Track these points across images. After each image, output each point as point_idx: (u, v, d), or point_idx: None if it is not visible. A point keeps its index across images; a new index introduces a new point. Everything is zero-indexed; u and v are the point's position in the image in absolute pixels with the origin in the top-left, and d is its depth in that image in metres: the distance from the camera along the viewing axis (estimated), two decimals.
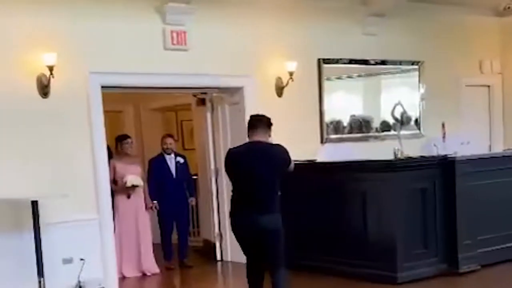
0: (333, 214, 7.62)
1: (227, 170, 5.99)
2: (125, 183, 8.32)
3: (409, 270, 7.02)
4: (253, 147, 5.83)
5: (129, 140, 8.77)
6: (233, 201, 5.87)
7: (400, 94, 10.29)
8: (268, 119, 5.98)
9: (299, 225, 7.98)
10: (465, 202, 7.30)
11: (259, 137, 5.81)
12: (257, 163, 5.66)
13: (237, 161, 5.84)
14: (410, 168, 7.25)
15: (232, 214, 5.87)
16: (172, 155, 8.93)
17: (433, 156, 7.76)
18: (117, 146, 8.83)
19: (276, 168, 5.74)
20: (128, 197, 8.44)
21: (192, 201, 9.12)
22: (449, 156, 7.43)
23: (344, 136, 9.61)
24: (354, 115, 9.86)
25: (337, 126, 9.60)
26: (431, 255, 7.24)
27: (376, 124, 10.02)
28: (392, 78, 10.38)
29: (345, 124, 9.71)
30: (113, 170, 8.31)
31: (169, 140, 9.04)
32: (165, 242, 8.90)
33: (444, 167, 7.30)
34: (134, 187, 8.38)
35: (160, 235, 8.98)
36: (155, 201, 8.67)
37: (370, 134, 9.95)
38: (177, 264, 8.86)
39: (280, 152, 5.81)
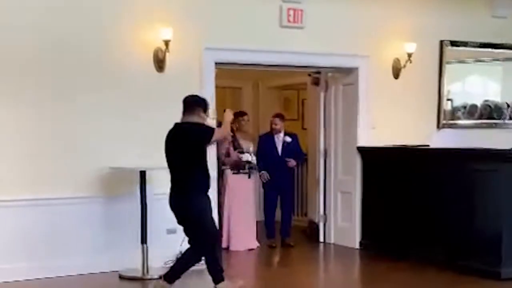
0: (439, 203, 7.35)
1: None
2: (241, 158, 8.53)
3: None
4: (175, 128, 6.04)
5: (245, 117, 8.87)
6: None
7: None
8: (198, 100, 6.11)
9: (402, 212, 7.85)
10: None
11: (186, 118, 5.99)
12: (174, 145, 5.91)
13: (166, 143, 6.04)
14: None
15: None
16: (281, 134, 8.87)
17: None
18: (234, 122, 8.55)
19: (189, 147, 5.84)
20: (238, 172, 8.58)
21: (290, 161, 8.81)
22: None
23: (466, 122, 9.26)
24: (487, 101, 9.51)
25: (470, 110, 9.33)
26: None
27: (509, 111, 9.59)
28: None
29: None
30: (228, 144, 8.41)
31: (276, 121, 8.93)
32: (268, 219, 8.90)
33: None
34: (248, 163, 8.55)
35: (263, 212, 9.04)
36: (263, 171, 8.75)
37: (498, 121, 9.51)
38: (279, 242, 8.84)
39: (194, 132, 5.89)
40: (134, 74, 7.31)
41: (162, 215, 7.25)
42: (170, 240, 7.34)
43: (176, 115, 7.39)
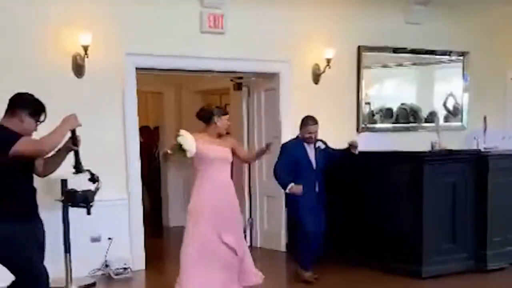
0: (360, 205, 7.54)
1: None
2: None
3: (435, 265, 6.89)
4: None
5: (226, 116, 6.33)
6: None
7: (447, 85, 10.15)
8: (25, 100, 4.63)
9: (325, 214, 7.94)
10: (496, 198, 7.13)
11: (3, 120, 4.62)
12: None
13: None
14: (440, 161, 7.09)
15: None
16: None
17: (465, 150, 7.59)
18: None
19: None
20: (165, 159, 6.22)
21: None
22: (482, 150, 7.25)
23: (384, 125, 9.49)
24: (404, 104, 9.77)
25: (387, 114, 9.56)
26: (459, 251, 7.10)
27: (424, 114, 9.91)
28: (439, 68, 10.23)
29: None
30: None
31: (312, 128, 6.94)
32: (303, 246, 7.10)
33: (476, 162, 7.12)
34: (182, 150, 5.81)
35: (295, 237, 7.46)
36: (292, 184, 6.81)
37: (414, 124, 9.77)
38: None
39: None
40: (52, 80, 7.14)
41: (86, 224, 7.16)
42: (94, 249, 7.28)
43: (96, 122, 7.35)
